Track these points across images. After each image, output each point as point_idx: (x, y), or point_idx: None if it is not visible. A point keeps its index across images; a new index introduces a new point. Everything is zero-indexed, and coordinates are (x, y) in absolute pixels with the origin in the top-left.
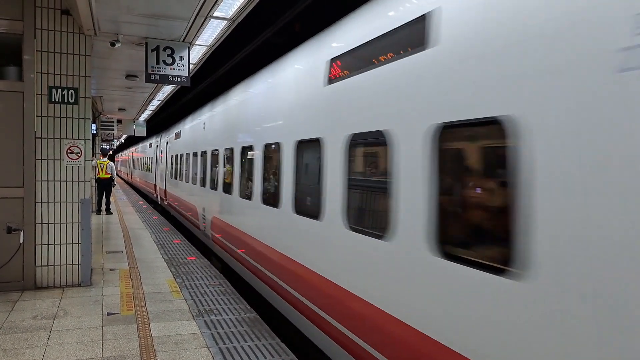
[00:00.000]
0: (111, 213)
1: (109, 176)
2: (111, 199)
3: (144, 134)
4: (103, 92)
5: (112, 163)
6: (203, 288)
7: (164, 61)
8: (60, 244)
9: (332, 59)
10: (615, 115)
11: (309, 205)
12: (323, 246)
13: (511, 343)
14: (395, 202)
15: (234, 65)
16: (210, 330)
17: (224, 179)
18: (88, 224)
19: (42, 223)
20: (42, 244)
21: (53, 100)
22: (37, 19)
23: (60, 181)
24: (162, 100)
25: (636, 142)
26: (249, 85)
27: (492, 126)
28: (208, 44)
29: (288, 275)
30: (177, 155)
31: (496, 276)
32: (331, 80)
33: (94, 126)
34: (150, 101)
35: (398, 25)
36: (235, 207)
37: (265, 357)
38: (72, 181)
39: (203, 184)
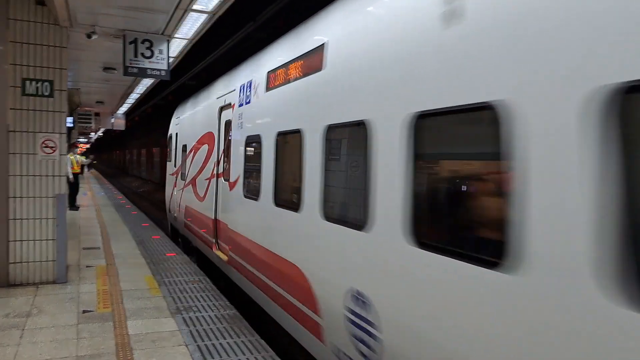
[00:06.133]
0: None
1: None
2: (88, 193)
3: (123, 128)
4: (80, 85)
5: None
6: (182, 285)
7: (142, 54)
8: (35, 240)
9: None
10: None
11: None
12: None
13: None
14: None
15: (216, 59)
16: (189, 327)
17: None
18: (63, 219)
19: (15, 219)
20: (15, 240)
21: (27, 92)
22: (10, 8)
23: (34, 176)
24: (142, 94)
25: None
26: None
27: None
28: (188, 37)
29: None
30: None
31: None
32: None
33: (70, 119)
34: (129, 94)
35: None
36: None
37: (244, 354)
38: (47, 176)
39: None
